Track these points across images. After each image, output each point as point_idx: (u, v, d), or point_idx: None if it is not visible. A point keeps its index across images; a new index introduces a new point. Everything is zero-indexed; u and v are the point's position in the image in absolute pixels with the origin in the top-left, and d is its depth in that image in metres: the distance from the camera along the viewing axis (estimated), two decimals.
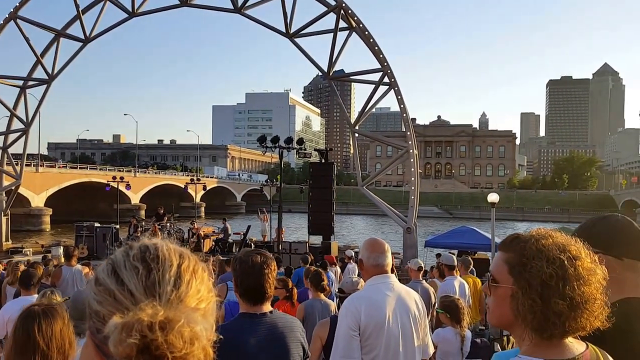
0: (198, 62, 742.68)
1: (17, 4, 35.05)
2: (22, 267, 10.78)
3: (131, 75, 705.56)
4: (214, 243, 33.43)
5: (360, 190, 32.73)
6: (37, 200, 73.98)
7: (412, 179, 31.16)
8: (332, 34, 31.49)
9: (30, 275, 7.72)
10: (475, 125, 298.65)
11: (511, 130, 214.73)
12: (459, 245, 24.92)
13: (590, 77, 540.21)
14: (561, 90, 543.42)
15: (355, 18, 31.20)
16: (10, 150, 39.16)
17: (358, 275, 7.90)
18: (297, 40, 32.85)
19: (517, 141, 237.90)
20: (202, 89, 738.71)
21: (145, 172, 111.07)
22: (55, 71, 35.99)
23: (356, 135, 33.69)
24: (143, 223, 35.43)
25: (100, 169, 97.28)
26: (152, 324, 1.06)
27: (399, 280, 4.80)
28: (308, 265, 13.92)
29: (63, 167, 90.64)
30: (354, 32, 31.52)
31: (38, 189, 73.78)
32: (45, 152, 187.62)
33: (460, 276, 11.18)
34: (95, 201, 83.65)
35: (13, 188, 39.32)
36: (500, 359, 1.96)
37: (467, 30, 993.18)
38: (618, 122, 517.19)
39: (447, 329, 7.13)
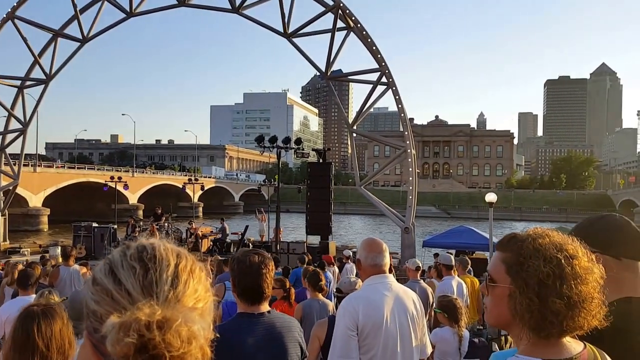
0: (196, 62, 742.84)
1: (15, 4, 35.00)
2: (20, 267, 10.77)
3: (129, 75, 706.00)
4: (212, 243, 33.41)
5: (358, 190, 32.71)
6: (35, 200, 73.97)
7: (410, 178, 31.15)
8: (329, 34, 31.47)
9: (27, 275, 7.71)
10: (473, 125, 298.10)
11: (509, 130, 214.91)
12: (456, 245, 24.95)
13: (588, 77, 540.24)
14: (559, 90, 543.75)
15: (353, 18, 31.20)
16: (8, 150, 39.14)
17: (356, 275, 7.91)
18: (295, 40, 32.83)
19: (515, 141, 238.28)
20: (200, 89, 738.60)
21: (143, 172, 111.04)
22: (53, 71, 35.96)
23: (354, 135, 33.69)
24: (141, 223, 35.41)
25: (98, 169, 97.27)
26: (150, 323, 1.07)
27: (397, 280, 4.80)
28: (305, 265, 13.93)
29: (61, 167, 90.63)
30: (351, 32, 31.51)
31: (36, 189, 73.75)
32: (43, 152, 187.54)
33: (458, 276, 11.19)
34: (93, 201, 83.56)
35: (11, 188, 39.29)
36: (498, 358, 1.96)
37: (465, 31, 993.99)
38: (616, 122, 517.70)
39: (445, 329, 7.14)
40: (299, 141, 32.26)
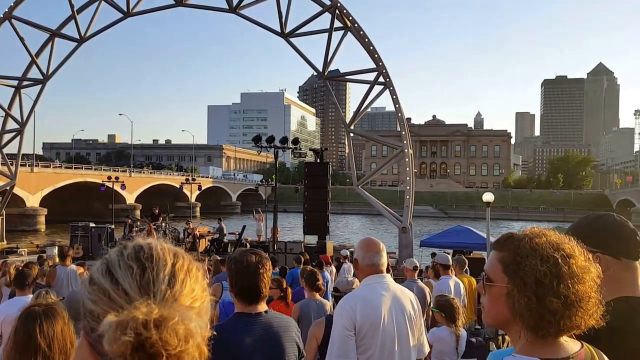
0: (193, 62, 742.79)
1: (12, 4, 34.94)
2: (12, 268, 10.72)
3: (126, 76, 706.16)
4: (209, 243, 33.41)
5: (356, 190, 32.73)
6: (32, 201, 73.90)
7: (407, 178, 31.15)
8: (327, 34, 31.47)
9: (25, 275, 7.70)
10: (471, 124, 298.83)
11: (506, 130, 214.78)
12: (454, 244, 24.90)
13: (585, 76, 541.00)
14: (556, 90, 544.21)
15: (350, 18, 31.20)
16: (5, 151, 39.05)
17: (353, 275, 7.92)
18: (292, 40, 32.82)
19: (512, 141, 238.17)
20: (198, 89, 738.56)
21: (140, 172, 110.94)
22: (50, 71, 35.91)
23: (351, 135, 33.72)
24: (138, 223, 35.38)
25: (95, 169, 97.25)
26: (147, 322, 1.07)
27: (395, 279, 4.81)
28: (302, 265, 13.94)
29: (58, 167, 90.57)
30: (349, 32, 31.50)
31: (33, 189, 73.67)
32: (40, 152, 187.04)
33: (456, 276, 11.20)
34: (91, 201, 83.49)
35: (8, 188, 39.23)
36: (496, 357, 1.97)
37: (462, 31, 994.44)
38: (613, 122, 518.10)
39: (443, 328, 7.14)
40: (296, 141, 32.25)
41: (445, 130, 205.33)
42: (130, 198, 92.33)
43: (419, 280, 10.63)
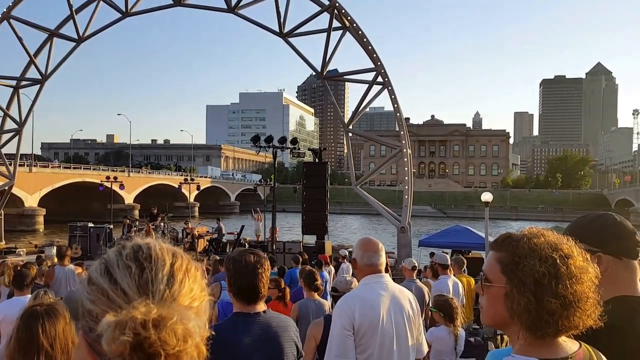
0: (192, 62, 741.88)
1: (10, 4, 34.88)
2: (8, 269, 10.72)
3: (125, 76, 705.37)
4: (208, 243, 33.42)
5: (354, 190, 32.72)
6: (31, 201, 73.85)
7: (406, 178, 31.15)
8: (325, 34, 31.47)
9: (23, 276, 7.70)
10: (469, 124, 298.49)
11: (505, 130, 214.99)
12: (452, 244, 24.91)
13: (584, 76, 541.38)
14: (554, 90, 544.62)
15: (349, 17, 31.19)
16: (4, 151, 38.97)
17: (352, 275, 7.91)
18: (291, 39, 32.80)
19: (511, 140, 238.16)
20: (196, 88, 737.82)
21: (139, 172, 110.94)
22: (49, 71, 35.85)
23: (350, 134, 33.70)
24: (137, 223, 35.38)
25: (93, 169, 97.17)
26: (146, 322, 1.07)
27: (393, 279, 4.81)
28: (300, 265, 13.93)
29: (56, 167, 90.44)
30: (347, 32, 31.50)
31: (31, 189, 73.62)
32: (39, 152, 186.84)
33: (454, 275, 11.20)
34: (89, 201, 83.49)
35: (6, 188, 39.16)
36: (495, 357, 1.97)
37: (461, 31, 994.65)
38: (611, 121, 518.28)
39: (441, 328, 7.15)
40: (294, 141, 32.22)
41: (444, 130, 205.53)
42: (128, 198, 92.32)
43: (418, 280, 10.64)
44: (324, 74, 32.37)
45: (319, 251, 26.58)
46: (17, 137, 37.70)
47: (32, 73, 36.33)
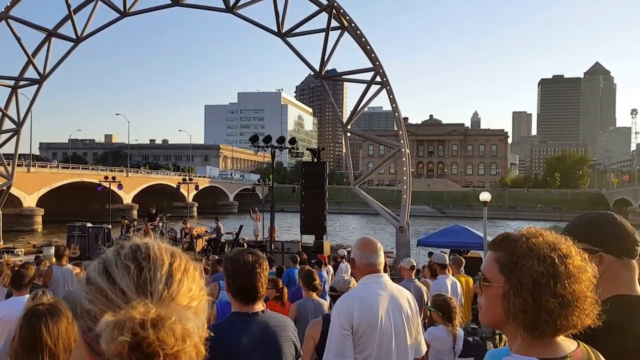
0: (190, 62, 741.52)
1: (9, 4, 34.86)
2: (5, 269, 10.69)
3: (123, 75, 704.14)
4: (206, 243, 33.41)
5: (353, 190, 32.70)
6: (29, 201, 73.80)
7: (405, 178, 31.16)
8: (324, 34, 31.47)
9: (21, 276, 7.69)
10: (467, 124, 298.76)
11: (503, 129, 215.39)
12: (451, 244, 24.93)
13: (582, 76, 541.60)
14: (553, 89, 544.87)
15: (347, 17, 31.18)
16: (2, 151, 39.02)
17: (350, 275, 7.92)
18: (289, 39, 32.80)
19: (509, 140, 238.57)
20: (194, 88, 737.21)
21: (137, 172, 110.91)
22: (47, 71, 35.83)
23: (348, 134, 33.69)
24: (135, 223, 35.35)
25: (92, 169, 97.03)
26: (144, 322, 1.07)
27: (392, 279, 4.80)
28: (298, 265, 13.93)
29: (55, 167, 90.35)
30: (345, 32, 31.50)
31: (30, 189, 73.58)
32: (37, 152, 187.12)
33: (453, 275, 11.20)
34: (87, 201, 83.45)
35: (5, 188, 39.14)
36: (494, 357, 1.97)
37: (459, 31, 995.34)
38: (609, 121, 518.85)
39: (440, 327, 7.15)
40: (293, 141, 32.22)
41: (442, 130, 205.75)
42: (127, 198, 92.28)
43: (417, 280, 10.64)
44: (323, 73, 32.36)
45: (318, 251, 26.60)
46: (15, 137, 37.71)
47: (31, 73, 36.33)
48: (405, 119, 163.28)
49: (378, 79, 31.09)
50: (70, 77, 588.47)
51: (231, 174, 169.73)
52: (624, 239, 2.48)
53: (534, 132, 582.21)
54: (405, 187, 31.05)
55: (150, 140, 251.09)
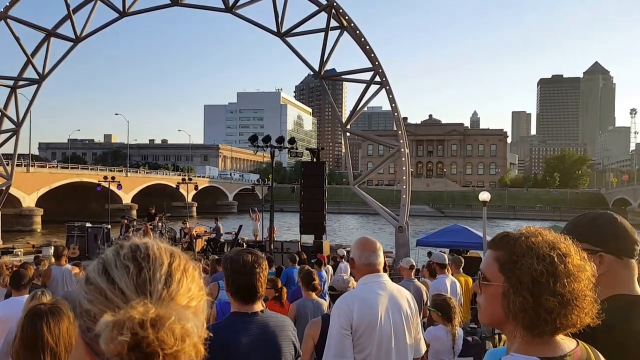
0: (189, 61, 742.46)
1: (8, 4, 34.81)
2: (4, 268, 10.68)
3: (122, 75, 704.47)
4: (206, 243, 33.38)
5: (352, 189, 32.67)
6: (28, 201, 73.80)
7: (404, 177, 31.16)
8: (323, 33, 31.46)
9: (21, 276, 7.69)
10: (467, 124, 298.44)
11: (502, 129, 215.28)
12: (450, 243, 24.95)
13: (581, 75, 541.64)
14: (552, 89, 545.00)
15: (347, 17, 31.17)
16: (1, 151, 38.99)
17: (350, 274, 7.92)
18: (289, 39, 32.79)
19: (509, 140, 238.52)
20: (194, 88, 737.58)
21: (136, 172, 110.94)
22: (46, 71, 35.80)
23: (348, 134, 33.67)
24: (134, 223, 35.31)
25: (91, 169, 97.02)
26: (144, 322, 1.07)
27: (391, 279, 4.80)
28: (297, 264, 13.93)
29: (54, 167, 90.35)
30: (345, 32, 31.49)
31: (29, 189, 73.56)
32: (36, 152, 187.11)
33: (452, 275, 11.20)
34: (87, 201, 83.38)
35: (4, 188, 39.10)
36: (493, 356, 1.97)
37: (458, 31, 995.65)
38: (609, 121, 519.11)
39: (439, 327, 7.15)
40: (292, 140, 32.20)
41: (442, 130, 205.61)
42: (126, 198, 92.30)
43: (416, 280, 10.64)
44: (322, 73, 32.34)
45: (317, 251, 26.58)
46: (14, 137, 37.66)
47: (30, 73, 36.30)
48: (405, 118, 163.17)
49: (377, 78, 31.08)
50: (70, 77, 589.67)
51: (230, 174, 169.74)
52: (624, 238, 2.48)
53: (533, 131, 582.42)
54: (404, 186, 31.05)
55: (150, 140, 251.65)
